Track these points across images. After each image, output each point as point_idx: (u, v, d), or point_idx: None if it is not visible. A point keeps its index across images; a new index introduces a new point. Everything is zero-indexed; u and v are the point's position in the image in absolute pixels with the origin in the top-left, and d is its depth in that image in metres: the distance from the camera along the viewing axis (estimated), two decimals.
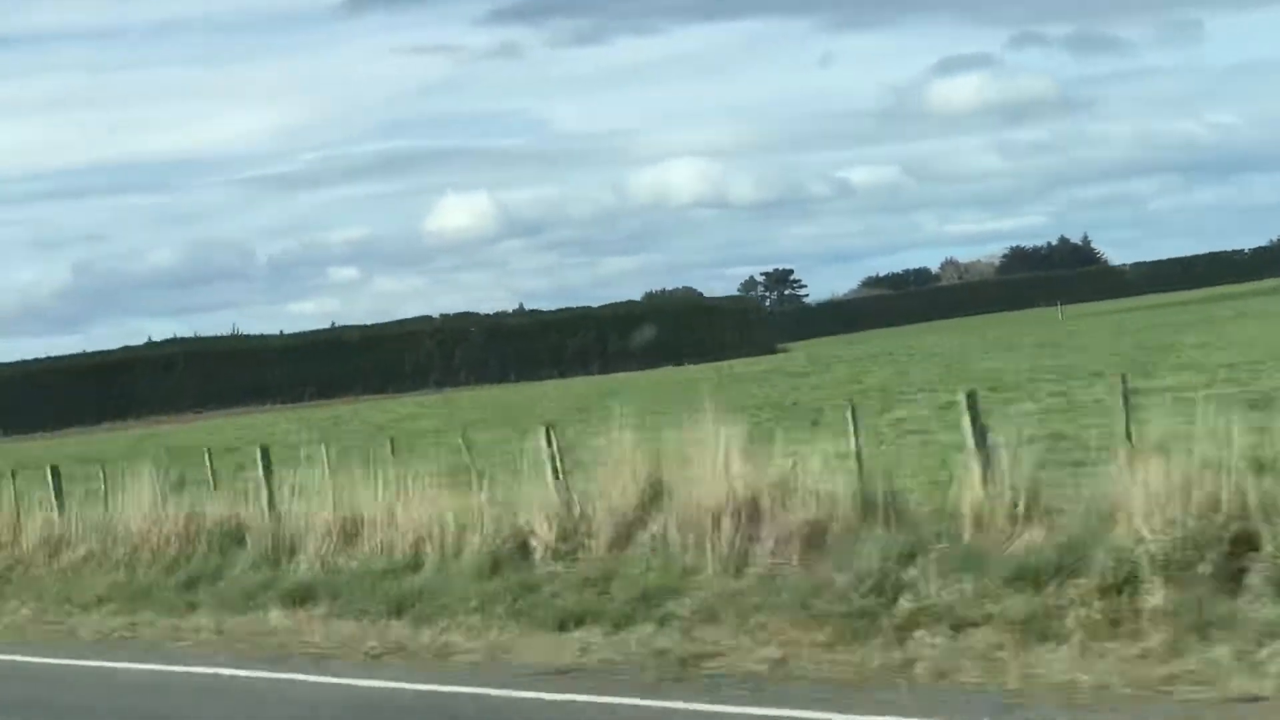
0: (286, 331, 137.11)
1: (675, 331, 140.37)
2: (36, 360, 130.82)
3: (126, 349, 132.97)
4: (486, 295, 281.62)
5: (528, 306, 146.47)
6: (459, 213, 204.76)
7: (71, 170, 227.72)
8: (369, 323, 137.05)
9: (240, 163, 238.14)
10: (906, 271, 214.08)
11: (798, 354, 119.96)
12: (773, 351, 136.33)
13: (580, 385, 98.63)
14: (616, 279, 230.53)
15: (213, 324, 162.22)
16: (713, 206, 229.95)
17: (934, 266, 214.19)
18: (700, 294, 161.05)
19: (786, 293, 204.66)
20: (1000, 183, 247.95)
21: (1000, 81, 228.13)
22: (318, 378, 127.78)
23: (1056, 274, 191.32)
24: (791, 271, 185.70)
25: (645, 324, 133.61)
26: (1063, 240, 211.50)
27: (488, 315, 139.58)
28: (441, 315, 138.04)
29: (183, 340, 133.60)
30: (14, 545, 28.47)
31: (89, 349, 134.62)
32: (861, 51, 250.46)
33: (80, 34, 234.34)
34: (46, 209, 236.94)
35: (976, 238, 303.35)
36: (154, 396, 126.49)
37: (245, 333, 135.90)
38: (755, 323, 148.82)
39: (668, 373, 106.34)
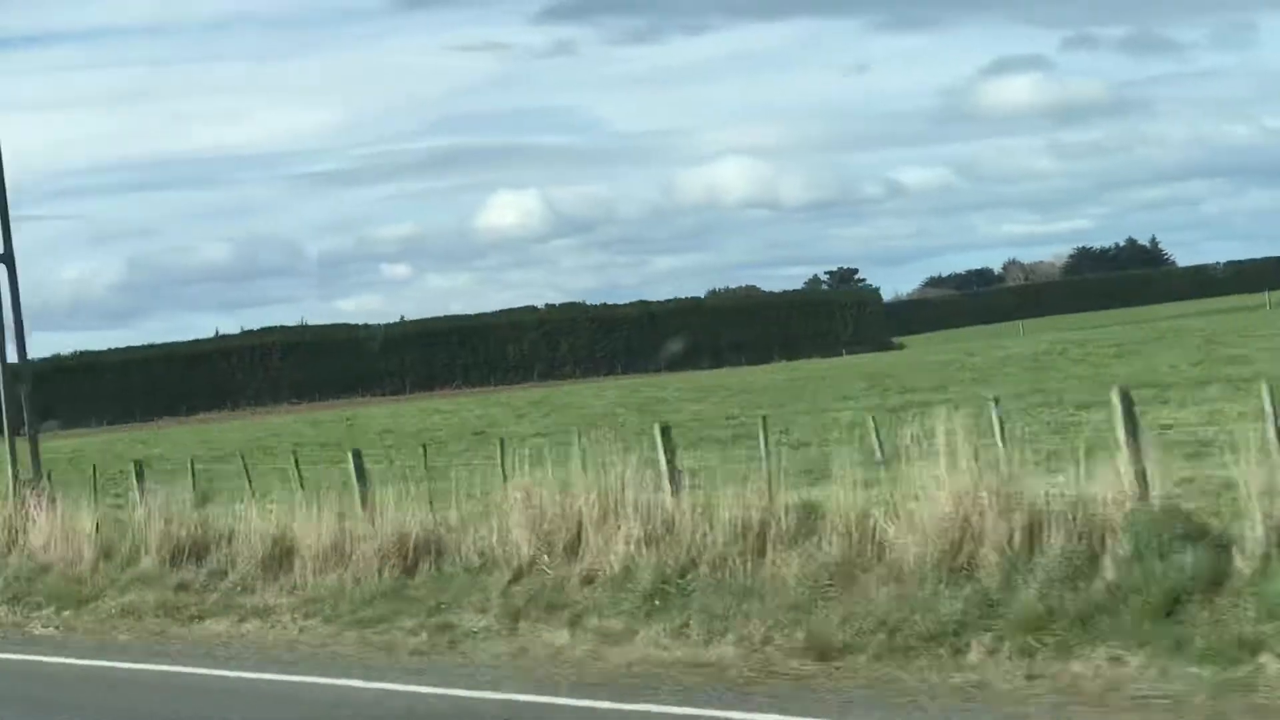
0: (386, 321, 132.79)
1: (784, 325, 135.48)
2: (126, 349, 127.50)
3: (223, 337, 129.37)
4: (536, 294, 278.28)
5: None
6: (510, 210, 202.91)
7: (126, 164, 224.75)
8: (471, 313, 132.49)
9: (293, 158, 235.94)
10: (969, 272, 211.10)
11: (941, 347, 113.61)
12: (889, 346, 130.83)
13: (770, 375, 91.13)
14: (666, 278, 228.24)
15: (264, 320, 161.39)
16: (763, 206, 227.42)
17: (987, 267, 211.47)
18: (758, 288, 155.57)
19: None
20: (1052, 184, 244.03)
21: (1053, 83, 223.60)
22: (417, 369, 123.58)
23: (1140, 273, 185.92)
24: (856, 271, 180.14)
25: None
26: (1130, 241, 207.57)
27: (595, 306, 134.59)
28: (547, 305, 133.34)
29: (281, 329, 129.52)
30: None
31: (181, 338, 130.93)
32: (914, 52, 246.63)
33: (136, 29, 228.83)
34: (101, 203, 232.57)
35: (1028, 239, 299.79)
36: (249, 386, 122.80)
37: (348, 322, 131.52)
38: (870, 316, 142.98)
39: (848, 363, 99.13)
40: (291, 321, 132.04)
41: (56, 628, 23.29)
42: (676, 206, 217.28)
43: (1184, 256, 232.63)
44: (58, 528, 26.20)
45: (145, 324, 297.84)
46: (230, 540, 23.36)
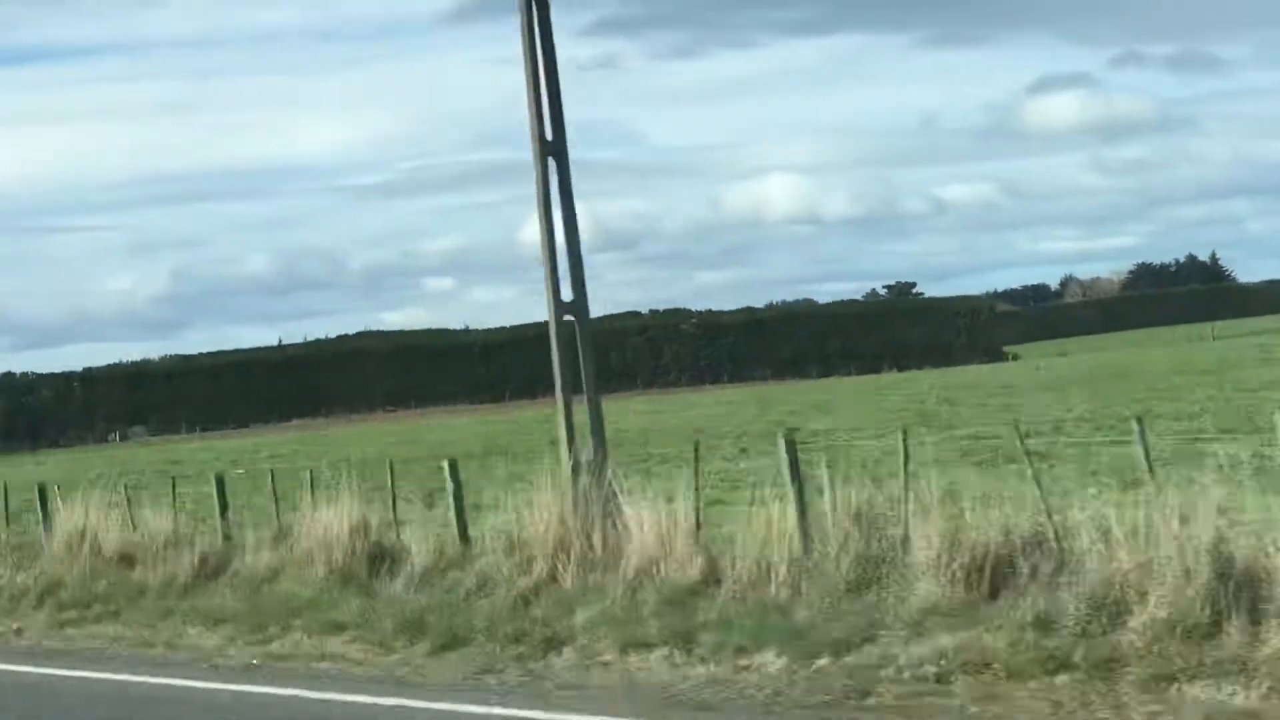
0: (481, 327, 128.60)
1: (895, 332, 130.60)
2: (217, 354, 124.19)
3: (317, 342, 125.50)
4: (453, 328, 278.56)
5: None
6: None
7: (170, 176, 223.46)
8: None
9: (337, 171, 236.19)
10: (1025, 287, 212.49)
11: (1053, 359, 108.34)
12: (1002, 357, 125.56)
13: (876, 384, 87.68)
14: (710, 293, 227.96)
15: (307, 332, 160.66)
16: (807, 222, 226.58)
17: (1043, 283, 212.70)
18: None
19: None
20: (1096, 201, 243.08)
21: (1098, 100, 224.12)
22: (512, 376, 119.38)
23: (1217, 288, 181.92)
24: (914, 285, 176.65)
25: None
26: (1190, 258, 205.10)
27: (699, 311, 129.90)
28: (651, 311, 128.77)
29: (374, 334, 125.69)
30: None
31: (278, 342, 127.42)
32: (959, 68, 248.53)
33: (183, 41, 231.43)
34: (145, 215, 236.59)
35: (1071, 256, 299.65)
36: (341, 393, 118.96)
37: (443, 327, 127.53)
38: (983, 324, 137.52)
39: (982, 374, 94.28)
40: (384, 328, 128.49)
41: None
42: (720, 221, 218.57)
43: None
44: (656, 528, 18.56)
45: (188, 335, 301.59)
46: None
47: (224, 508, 25.14)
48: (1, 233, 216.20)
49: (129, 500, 26.67)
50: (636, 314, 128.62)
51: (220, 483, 25.46)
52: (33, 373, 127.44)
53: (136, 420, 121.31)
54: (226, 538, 24.44)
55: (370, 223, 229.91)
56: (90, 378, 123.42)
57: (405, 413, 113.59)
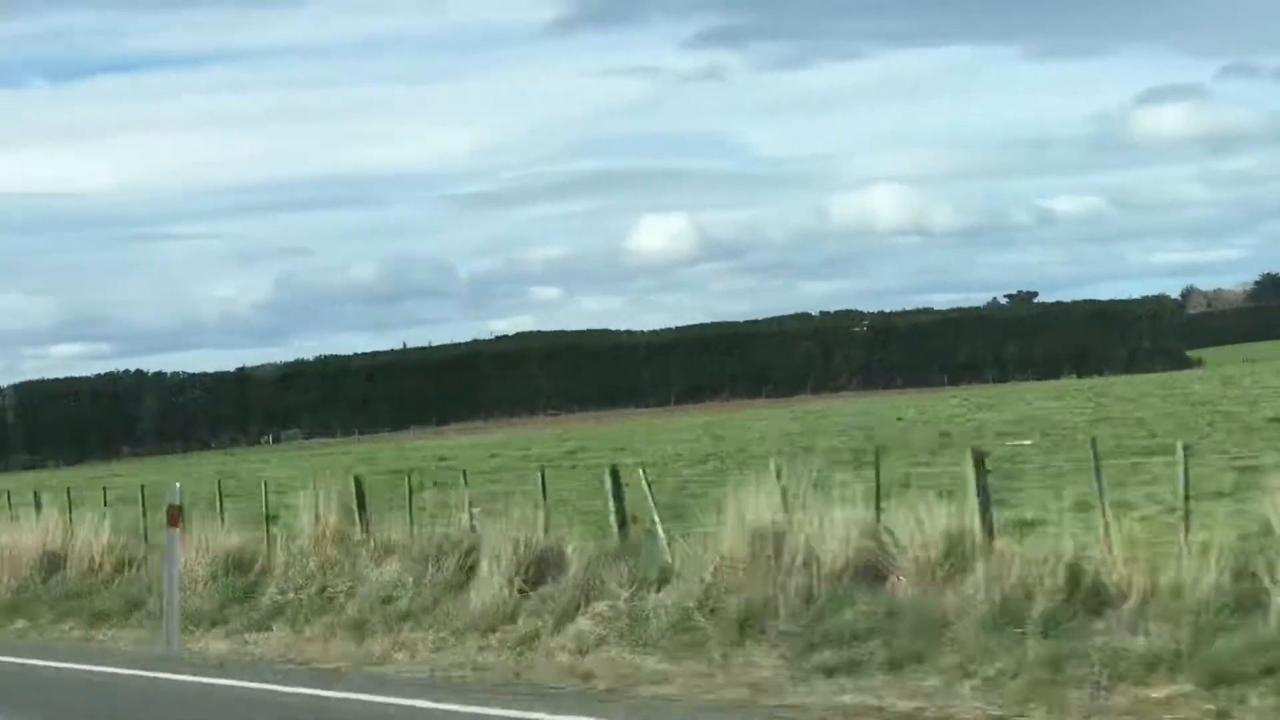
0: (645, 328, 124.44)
1: (1075, 337, 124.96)
2: (372, 355, 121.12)
3: (476, 343, 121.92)
4: (685, 317, 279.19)
5: None
6: (658, 234, 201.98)
7: (276, 184, 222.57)
8: (738, 319, 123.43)
9: (442, 179, 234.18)
10: (1145, 298, 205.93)
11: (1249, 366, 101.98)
12: (1186, 363, 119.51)
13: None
14: (814, 304, 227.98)
15: (411, 341, 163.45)
16: (912, 233, 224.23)
17: (1164, 294, 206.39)
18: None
19: None
20: (1204, 213, 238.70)
21: (1207, 111, 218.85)
22: (682, 378, 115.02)
23: None
24: (1036, 294, 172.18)
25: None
26: None
27: (871, 313, 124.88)
28: (821, 313, 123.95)
29: (536, 334, 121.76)
30: None
31: (434, 342, 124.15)
32: (1067, 80, 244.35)
33: (289, 50, 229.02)
34: (250, 222, 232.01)
35: (1180, 268, 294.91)
36: (502, 395, 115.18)
37: (610, 328, 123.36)
38: (1166, 328, 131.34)
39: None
40: (547, 327, 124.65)
41: None
42: (825, 232, 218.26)
43: None
44: None
45: (293, 342, 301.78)
46: None
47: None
48: (109, 240, 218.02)
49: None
50: (808, 315, 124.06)
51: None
52: (183, 372, 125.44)
53: (289, 422, 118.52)
54: None
55: (475, 231, 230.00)
56: (244, 378, 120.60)
57: (568, 416, 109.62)
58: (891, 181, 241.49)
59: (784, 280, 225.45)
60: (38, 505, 31.16)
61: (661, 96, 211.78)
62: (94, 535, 28.24)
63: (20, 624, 26.84)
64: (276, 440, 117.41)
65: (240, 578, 24.61)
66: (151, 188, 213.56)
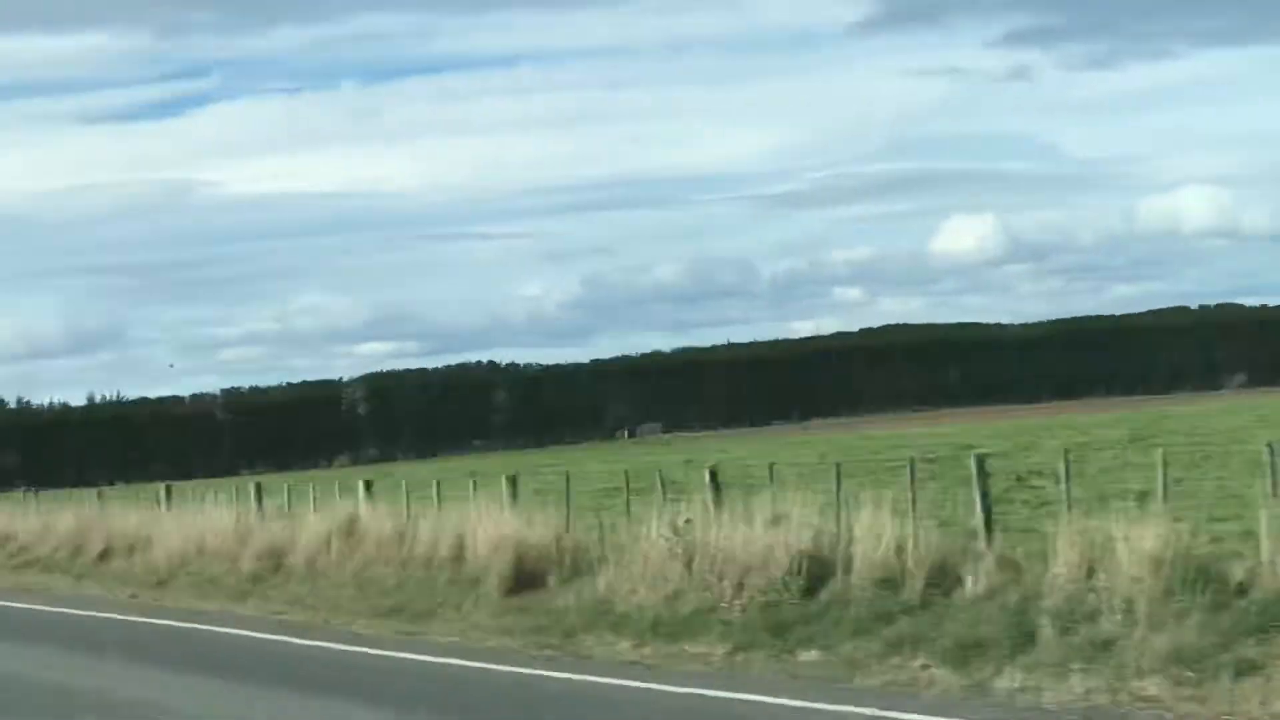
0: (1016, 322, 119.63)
1: None
2: (733, 347, 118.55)
3: (839, 335, 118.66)
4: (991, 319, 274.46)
5: None
6: (964, 235, 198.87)
7: (582, 185, 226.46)
8: (1106, 314, 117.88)
9: (746, 180, 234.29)
10: None
11: None
12: None
13: None
14: (1120, 306, 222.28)
15: (712, 341, 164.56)
16: (1224, 236, 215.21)
17: None
18: None
19: None
20: None
21: None
22: (1057, 374, 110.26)
23: None
24: None
25: None
26: None
27: (1256, 308, 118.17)
28: (1200, 306, 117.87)
29: (900, 328, 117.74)
30: None
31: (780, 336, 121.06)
32: None
33: (594, 51, 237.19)
34: (556, 222, 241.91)
35: None
36: (866, 391, 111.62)
37: (978, 321, 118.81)
38: None
39: None
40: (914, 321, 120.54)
41: None
42: (1133, 234, 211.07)
43: None
44: None
45: (597, 342, 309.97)
46: None
47: None
48: (418, 240, 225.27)
49: None
50: (1186, 309, 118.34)
51: None
52: (536, 364, 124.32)
53: (646, 417, 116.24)
54: None
55: (778, 232, 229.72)
56: (601, 371, 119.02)
57: (933, 412, 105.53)
58: (1201, 183, 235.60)
59: (1092, 282, 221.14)
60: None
61: (968, 97, 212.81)
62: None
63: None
64: (631, 435, 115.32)
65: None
66: (460, 188, 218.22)
